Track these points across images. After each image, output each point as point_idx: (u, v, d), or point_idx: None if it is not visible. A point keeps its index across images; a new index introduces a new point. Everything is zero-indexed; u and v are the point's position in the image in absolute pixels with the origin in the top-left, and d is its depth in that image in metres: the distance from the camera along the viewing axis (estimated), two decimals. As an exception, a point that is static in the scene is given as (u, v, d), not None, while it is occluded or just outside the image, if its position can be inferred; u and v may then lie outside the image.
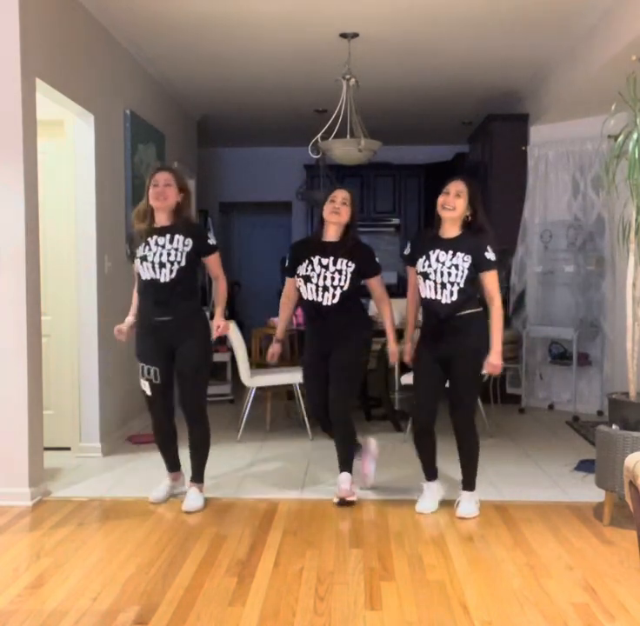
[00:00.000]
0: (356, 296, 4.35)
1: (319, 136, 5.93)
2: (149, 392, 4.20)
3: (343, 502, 4.28)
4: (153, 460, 5.15)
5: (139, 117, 6.21)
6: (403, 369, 6.59)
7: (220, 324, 4.25)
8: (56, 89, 4.64)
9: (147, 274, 4.10)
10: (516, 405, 7.19)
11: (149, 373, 4.16)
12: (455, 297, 4.01)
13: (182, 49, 6.14)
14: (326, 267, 4.26)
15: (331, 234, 4.33)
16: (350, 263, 4.27)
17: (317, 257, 4.28)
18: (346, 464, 4.37)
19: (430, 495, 4.24)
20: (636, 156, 3.99)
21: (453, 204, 4.01)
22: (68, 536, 3.82)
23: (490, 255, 4.03)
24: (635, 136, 3.99)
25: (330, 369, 4.33)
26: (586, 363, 7.05)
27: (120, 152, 5.86)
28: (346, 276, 4.26)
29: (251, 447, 5.73)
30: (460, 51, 6.16)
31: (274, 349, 4.58)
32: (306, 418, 5.97)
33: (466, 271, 4.01)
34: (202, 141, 9.01)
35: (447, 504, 4.27)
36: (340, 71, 5.79)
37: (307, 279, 4.28)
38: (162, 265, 4.07)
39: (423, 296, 4.10)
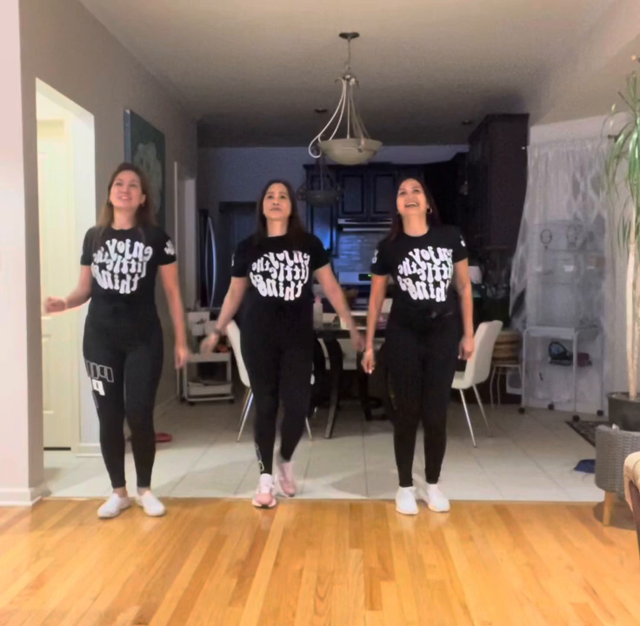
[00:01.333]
0: (310, 289, 4.35)
1: (319, 136, 5.93)
2: (103, 392, 4.07)
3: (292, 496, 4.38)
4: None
5: (139, 117, 6.21)
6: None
7: (181, 355, 4.19)
8: (56, 89, 4.64)
9: (105, 283, 3.98)
10: (516, 405, 7.19)
11: (102, 372, 4.05)
12: (447, 294, 4.09)
13: (182, 49, 6.14)
14: (284, 262, 4.21)
15: (277, 230, 4.26)
16: (305, 255, 4.25)
17: (272, 253, 4.21)
18: (291, 454, 4.49)
19: (413, 496, 4.25)
20: (636, 156, 3.99)
21: (415, 200, 4.06)
22: (68, 536, 3.82)
23: (463, 243, 4.17)
24: (635, 136, 3.99)
25: (288, 366, 4.28)
26: (586, 363, 7.05)
27: (120, 152, 5.86)
28: (305, 268, 4.24)
29: (251, 447, 5.67)
30: (460, 51, 6.16)
31: (212, 341, 4.42)
32: (306, 418, 5.95)
33: (451, 266, 4.11)
34: (202, 141, 9.02)
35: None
36: (340, 71, 5.80)
37: (266, 275, 4.21)
38: (122, 276, 3.97)
39: (414, 298, 4.07)
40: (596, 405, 6.98)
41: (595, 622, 2.90)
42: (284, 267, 4.20)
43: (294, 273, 4.21)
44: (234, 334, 5.94)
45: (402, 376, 4.18)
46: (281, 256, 4.21)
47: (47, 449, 4.67)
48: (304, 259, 4.24)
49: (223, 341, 7.34)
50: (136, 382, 4.06)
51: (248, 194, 10.62)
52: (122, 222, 4.04)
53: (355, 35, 5.70)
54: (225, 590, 3.18)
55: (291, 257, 4.21)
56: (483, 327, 5.74)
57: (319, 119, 7.05)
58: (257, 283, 4.24)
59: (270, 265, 4.20)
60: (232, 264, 4.36)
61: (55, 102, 4.86)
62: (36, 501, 4.33)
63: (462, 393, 5.70)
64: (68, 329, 5.41)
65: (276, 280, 4.20)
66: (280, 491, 4.46)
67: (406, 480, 4.27)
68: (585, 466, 4.97)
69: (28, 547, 3.71)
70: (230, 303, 4.46)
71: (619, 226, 4.21)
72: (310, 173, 9.60)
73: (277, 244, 4.23)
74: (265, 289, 4.23)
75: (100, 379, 4.06)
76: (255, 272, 4.24)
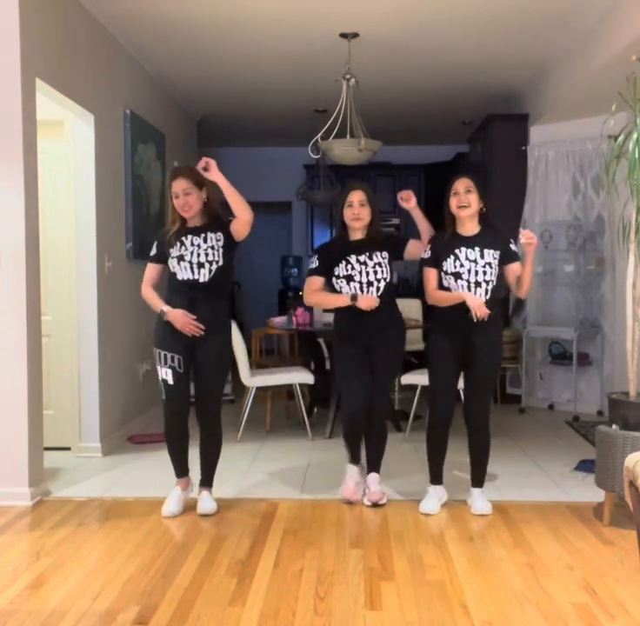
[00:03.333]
0: (394, 288, 4.39)
1: (319, 136, 5.93)
2: (171, 381, 4.07)
3: (376, 505, 4.29)
4: (153, 460, 5.16)
5: (139, 117, 6.21)
6: (404, 368, 6.60)
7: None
8: (56, 90, 4.64)
9: (185, 274, 4.04)
10: (516, 405, 7.19)
11: (173, 360, 4.05)
12: (489, 295, 4.08)
13: (182, 49, 6.14)
14: (365, 263, 4.25)
15: (358, 234, 4.32)
16: (384, 254, 4.28)
17: (354, 256, 4.26)
18: (379, 464, 4.42)
19: (436, 497, 4.24)
20: (636, 156, 3.99)
21: (468, 201, 4.06)
22: (68, 536, 3.82)
23: (514, 246, 4.14)
24: (635, 136, 3.99)
25: (375, 366, 4.29)
26: (586, 363, 7.05)
27: (120, 152, 5.86)
28: (386, 267, 4.28)
29: (251, 447, 5.73)
30: (460, 51, 6.16)
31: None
32: (306, 418, 5.97)
33: (497, 269, 4.10)
34: (202, 141, 9.01)
35: (447, 504, 4.27)
36: (340, 71, 5.80)
37: (349, 279, 4.25)
38: (200, 265, 4.03)
39: None
40: (596, 405, 6.98)
41: (595, 622, 2.90)
42: (365, 268, 4.25)
43: (376, 272, 4.25)
44: (236, 334, 5.94)
45: (437, 374, 4.19)
46: (362, 258, 4.26)
47: (47, 449, 4.67)
48: (384, 258, 4.27)
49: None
50: (208, 373, 4.10)
51: (248, 194, 10.53)
52: (193, 222, 4.11)
53: (355, 35, 5.70)
54: (225, 590, 3.18)
55: (371, 258, 4.26)
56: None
57: (319, 119, 7.05)
58: (341, 287, 4.28)
59: (352, 268, 4.25)
60: (314, 266, 4.33)
61: (55, 102, 4.86)
62: (36, 501, 4.33)
63: (462, 393, 5.68)
64: (68, 329, 5.42)
65: (360, 282, 4.24)
66: (361, 498, 4.37)
67: (434, 478, 4.26)
68: (585, 466, 4.97)
69: (28, 547, 3.71)
70: (320, 293, 4.36)
71: (619, 226, 4.21)
72: (310, 173, 9.61)
73: (358, 247, 4.28)
74: (349, 292, 4.25)
75: (170, 367, 4.07)
76: (337, 276, 4.28)
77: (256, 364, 6.72)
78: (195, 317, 4.02)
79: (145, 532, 3.90)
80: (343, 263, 4.27)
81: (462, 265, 4.05)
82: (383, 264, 4.27)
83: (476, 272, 4.04)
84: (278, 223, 11.32)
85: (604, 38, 5.26)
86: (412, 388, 5.98)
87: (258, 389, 6.05)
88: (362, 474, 4.45)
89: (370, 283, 4.24)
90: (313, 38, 5.83)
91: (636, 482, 2.01)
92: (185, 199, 4.03)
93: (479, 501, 4.20)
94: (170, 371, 4.07)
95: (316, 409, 6.49)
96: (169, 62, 6.50)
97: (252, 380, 5.97)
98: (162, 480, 4.58)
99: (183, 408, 4.18)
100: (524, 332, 7.22)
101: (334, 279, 4.30)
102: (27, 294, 4.28)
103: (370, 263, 4.25)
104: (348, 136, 5.84)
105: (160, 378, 4.12)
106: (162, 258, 4.15)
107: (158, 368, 4.12)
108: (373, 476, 4.39)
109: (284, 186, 10.33)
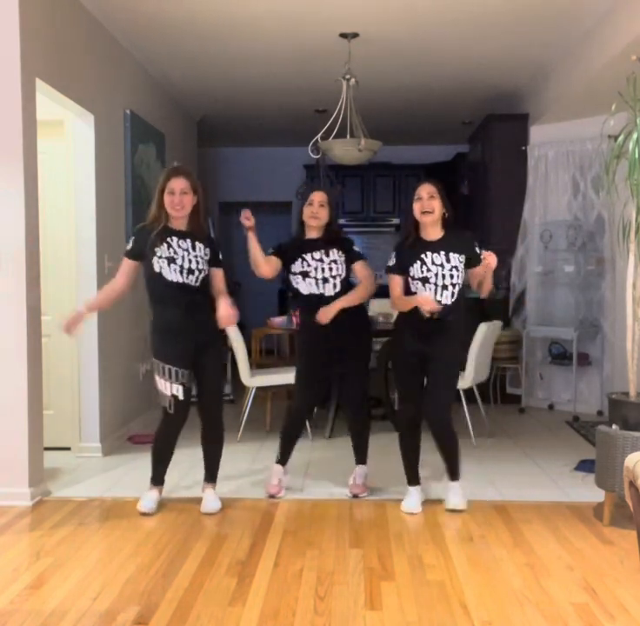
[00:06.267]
0: (351, 286, 4.44)
1: (319, 136, 5.93)
2: (182, 396, 4.10)
3: (356, 497, 4.42)
4: (153, 460, 5.15)
5: (139, 117, 6.21)
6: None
7: (228, 312, 4.03)
8: (56, 90, 4.64)
9: (174, 276, 4.02)
10: (516, 405, 7.19)
11: (183, 376, 4.08)
12: (455, 298, 4.11)
13: (182, 49, 6.14)
14: (321, 260, 4.35)
15: (314, 234, 4.42)
16: (340, 253, 4.38)
17: (309, 254, 4.36)
18: (365, 456, 4.56)
19: (417, 496, 4.26)
20: (636, 156, 3.99)
21: (431, 207, 4.10)
22: (68, 536, 3.82)
23: (479, 249, 4.16)
24: (635, 136, 3.99)
25: (346, 363, 4.39)
26: (586, 363, 7.05)
27: (120, 152, 5.86)
28: (341, 264, 4.37)
29: (251, 447, 5.72)
30: (460, 51, 6.16)
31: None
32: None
33: (463, 272, 4.14)
34: (202, 141, 9.01)
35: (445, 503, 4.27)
36: (340, 71, 5.80)
37: (305, 275, 4.35)
38: (190, 271, 4.03)
39: None
40: (596, 405, 6.98)
41: (595, 622, 2.90)
42: (321, 265, 4.35)
43: (331, 269, 4.35)
44: (236, 334, 5.94)
45: (401, 374, 4.25)
46: (317, 255, 4.36)
47: (47, 449, 4.67)
48: (340, 256, 4.37)
49: (224, 340, 7.34)
50: (213, 379, 4.20)
51: (248, 194, 10.64)
52: (177, 223, 4.10)
53: (355, 35, 5.70)
54: (225, 590, 3.18)
55: (328, 255, 4.36)
56: (482, 327, 5.75)
57: (319, 119, 7.04)
58: (297, 283, 4.38)
59: (308, 265, 4.35)
60: (271, 250, 4.40)
61: (55, 102, 4.86)
62: (36, 501, 4.33)
63: (462, 393, 5.69)
64: (68, 329, 5.41)
65: (315, 278, 4.34)
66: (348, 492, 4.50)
67: (412, 479, 4.29)
68: (585, 466, 4.97)
69: (28, 547, 3.71)
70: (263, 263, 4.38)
71: (619, 226, 4.21)
72: (310, 173, 9.61)
73: (313, 245, 4.38)
74: (306, 287, 4.38)
75: (181, 383, 4.10)
76: (294, 273, 4.38)
77: (256, 364, 6.72)
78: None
79: (145, 532, 3.90)
80: (300, 260, 4.37)
81: (428, 270, 4.09)
82: (339, 262, 4.37)
83: (444, 276, 4.08)
84: (278, 223, 11.31)
85: (604, 38, 5.26)
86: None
87: (258, 389, 6.05)
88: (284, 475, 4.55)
89: (325, 280, 4.34)
90: (313, 38, 5.83)
91: (636, 482, 2.01)
92: (180, 198, 4.02)
93: (452, 495, 4.20)
94: (180, 388, 4.10)
95: (316, 409, 6.48)
96: (169, 62, 6.50)
97: (252, 380, 5.97)
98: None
99: (183, 420, 4.22)
100: (524, 332, 7.22)
101: (291, 276, 4.41)
102: (27, 294, 4.28)
103: (326, 260, 4.35)
104: (348, 136, 5.84)
105: (169, 394, 4.10)
106: (138, 254, 4.10)
107: (164, 381, 4.09)
108: (359, 468, 4.52)
109: (284, 186, 10.33)
